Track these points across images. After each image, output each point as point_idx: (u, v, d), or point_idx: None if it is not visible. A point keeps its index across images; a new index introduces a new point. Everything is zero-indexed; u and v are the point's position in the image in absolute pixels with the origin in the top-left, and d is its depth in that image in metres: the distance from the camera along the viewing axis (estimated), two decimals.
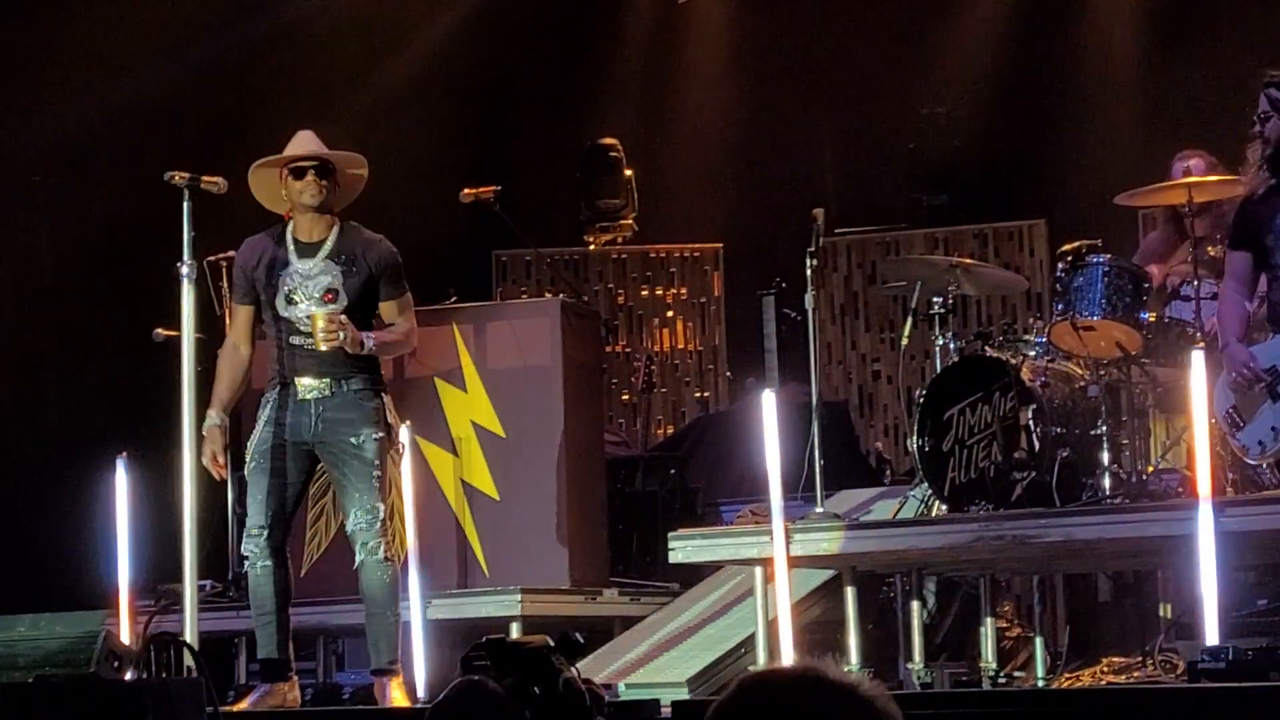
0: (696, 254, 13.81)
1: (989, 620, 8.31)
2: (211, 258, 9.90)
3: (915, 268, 9.61)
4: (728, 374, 13.58)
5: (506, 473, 9.32)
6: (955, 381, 8.40)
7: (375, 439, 7.56)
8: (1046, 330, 8.51)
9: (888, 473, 11.51)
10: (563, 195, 13.56)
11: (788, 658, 7.32)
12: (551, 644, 3.44)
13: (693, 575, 9.29)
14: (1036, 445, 8.10)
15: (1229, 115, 11.90)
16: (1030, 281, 12.24)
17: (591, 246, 13.60)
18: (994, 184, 13.50)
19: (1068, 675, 8.32)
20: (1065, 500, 7.97)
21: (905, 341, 9.26)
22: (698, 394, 13.65)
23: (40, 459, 11.32)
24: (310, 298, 7.60)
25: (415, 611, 7.65)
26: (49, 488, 11.00)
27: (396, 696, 7.48)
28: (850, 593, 8.03)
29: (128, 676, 6.52)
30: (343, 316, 7.51)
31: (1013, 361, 8.30)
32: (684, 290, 13.76)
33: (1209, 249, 8.51)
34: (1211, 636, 6.77)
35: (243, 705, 7.55)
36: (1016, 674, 8.71)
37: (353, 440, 7.55)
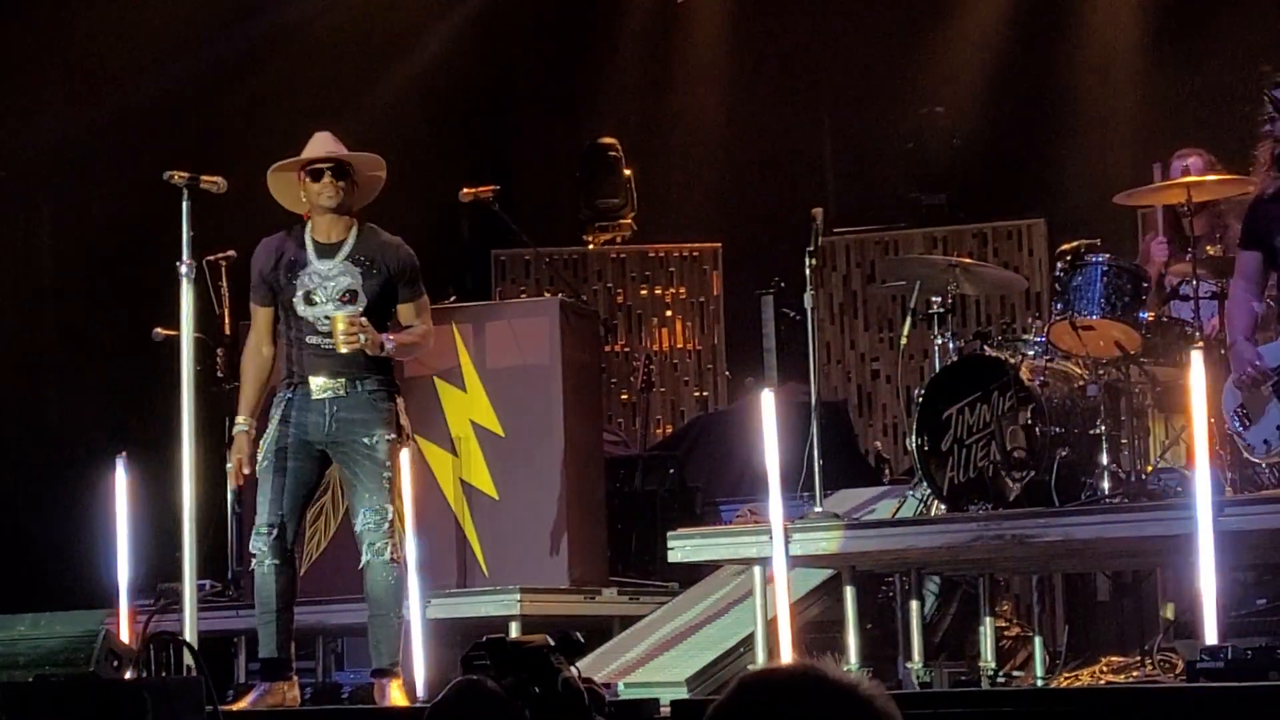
0: (695, 253, 13.81)
1: (988, 620, 8.30)
2: (211, 257, 9.92)
3: (914, 267, 9.61)
4: (727, 373, 13.58)
5: (506, 472, 9.33)
6: (954, 381, 8.40)
7: (388, 440, 7.57)
8: (1045, 330, 8.52)
9: (887, 472, 11.51)
10: (562, 195, 13.59)
11: (787, 657, 7.32)
12: (552, 643, 3.44)
13: (692, 574, 9.29)
14: (1035, 445, 8.10)
15: (1228, 114, 11.92)
16: (1029, 281, 12.25)
17: (591, 246, 13.60)
18: (993, 183, 13.51)
19: (1067, 675, 8.32)
20: (1064, 500, 7.96)
21: (904, 341, 9.25)
22: (697, 393, 13.65)
23: (40, 459, 11.33)
24: (329, 299, 7.61)
25: (415, 611, 7.65)
26: (49, 487, 11.00)
27: (396, 697, 7.49)
28: (849, 592, 8.03)
29: (127, 676, 6.52)
30: (363, 319, 7.51)
31: (1012, 361, 8.30)
32: (683, 290, 13.76)
33: (1208, 248, 8.51)
34: (1210, 636, 6.76)
35: (242, 704, 7.55)
36: (1015, 673, 8.71)
37: (366, 441, 7.56)
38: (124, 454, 8.14)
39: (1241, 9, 12.54)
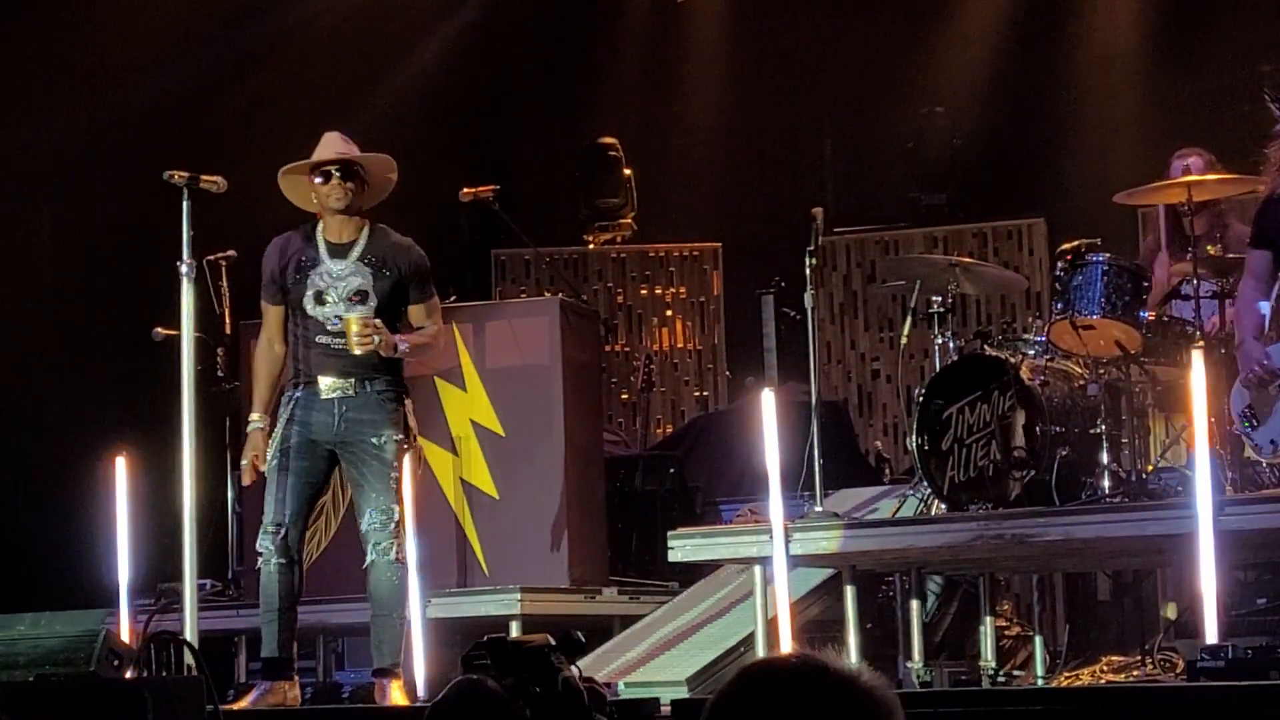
0: (696, 253, 13.81)
1: (988, 619, 8.30)
2: (211, 257, 9.92)
3: (914, 267, 9.61)
4: (727, 373, 13.58)
5: (506, 472, 9.33)
6: (954, 380, 8.40)
7: (395, 440, 7.57)
8: (1046, 329, 8.51)
9: (887, 472, 11.51)
10: (562, 194, 13.58)
11: None
12: (553, 643, 3.44)
13: (692, 574, 9.29)
14: (1036, 444, 8.09)
15: (1228, 114, 11.93)
16: (1029, 280, 12.25)
17: (591, 246, 13.61)
18: (993, 183, 13.51)
19: (1067, 674, 8.32)
20: (1064, 499, 7.96)
21: (904, 340, 9.25)
22: (697, 393, 13.66)
23: (40, 458, 11.32)
24: (340, 298, 7.61)
25: (415, 611, 7.65)
26: (49, 487, 11.00)
27: (396, 697, 7.49)
28: (849, 592, 8.03)
29: (128, 675, 6.52)
30: (377, 321, 7.51)
31: (1012, 360, 8.30)
32: (683, 289, 13.76)
33: (1208, 248, 8.51)
34: (1211, 635, 6.76)
35: (243, 703, 7.55)
36: (1016, 673, 8.71)
37: (374, 441, 7.56)
38: (124, 454, 8.14)
39: (1241, 9, 12.55)
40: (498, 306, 10.98)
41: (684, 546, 8.28)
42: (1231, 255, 8.33)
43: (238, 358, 10.03)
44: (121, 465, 8.08)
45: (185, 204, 7.54)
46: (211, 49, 12.33)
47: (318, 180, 7.65)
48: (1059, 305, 8.37)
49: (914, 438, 8.38)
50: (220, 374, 10.32)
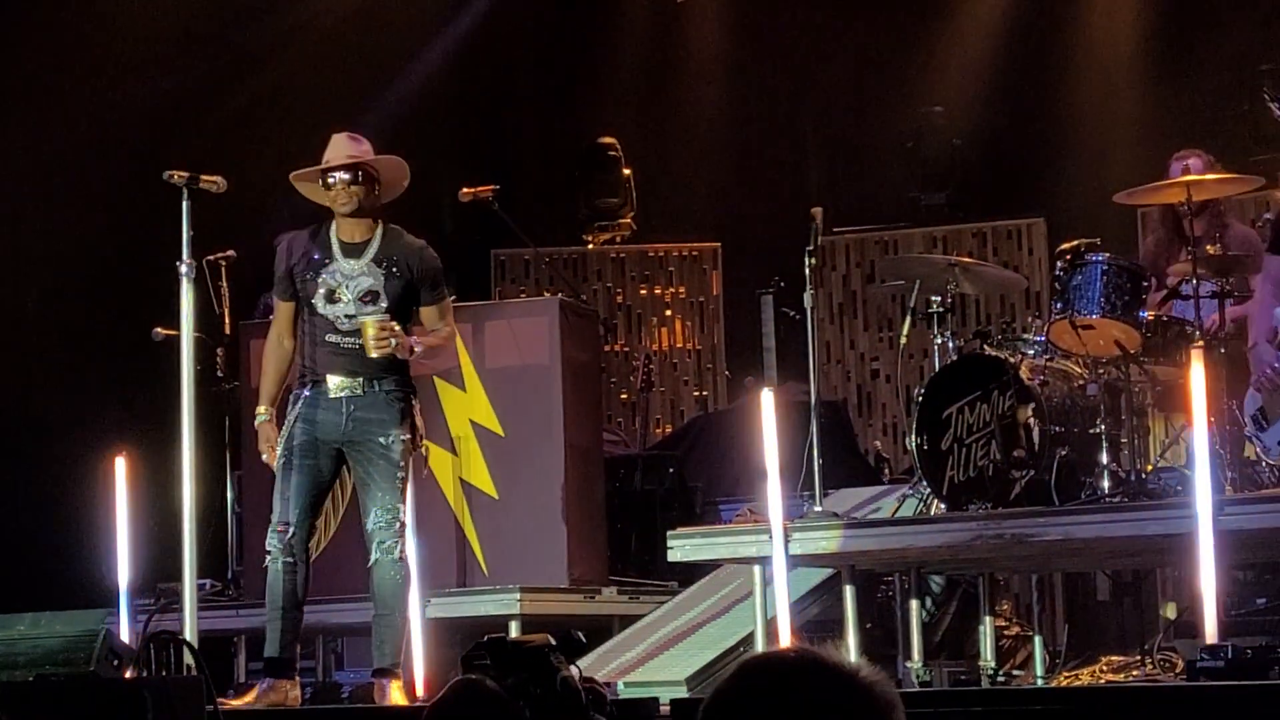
0: (695, 253, 13.81)
1: (988, 619, 8.31)
2: (211, 257, 9.93)
3: (914, 266, 9.61)
4: (726, 373, 13.59)
5: (505, 472, 9.32)
6: (954, 380, 8.40)
7: (402, 440, 7.57)
8: (1045, 329, 8.52)
9: (886, 471, 11.52)
10: (561, 194, 13.58)
11: None
12: (553, 643, 3.44)
13: (691, 574, 9.29)
14: (1035, 444, 8.09)
15: (1228, 114, 11.93)
16: (1029, 280, 12.25)
17: (590, 245, 13.61)
18: (993, 182, 13.52)
19: (1066, 674, 8.32)
20: (1064, 499, 7.96)
21: (904, 340, 9.25)
22: (696, 393, 13.66)
23: (40, 458, 11.32)
24: (350, 298, 7.60)
25: (414, 610, 7.65)
26: (49, 487, 11.00)
27: (396, 698, 7.48)
28: (849, 591, 8.03)
29: (127, 675, 6.53)
30: (394, 324, 7.50)
31: (1011, 360, 8.30)
32: (682, 289, 13.77)
33: (1208, 248, 8.51)
34: (1210, 635, 6.77)
35: (249, 698, 7.55)
36: (1015, 673, 8.71)
37: (381, 440, 7.56)
38: (124, 454, 8.14)
39: (1241, 9, 12.55)
40: (497, 306, 10.98)
41: (683, 546, 8.28)
42: (1231, 254, 8.34)
43: (237, 358, 10.04)
44: (121, 465, 8.08)
45: (185, 204, 7.54)
46: (211, 49, 12.34)
47: (324, 185, 7.64)
48: (1058, 305, 8.37)
49: (913, 437, 8.39)
50: (220, 374, 10.33)
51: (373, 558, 7.52)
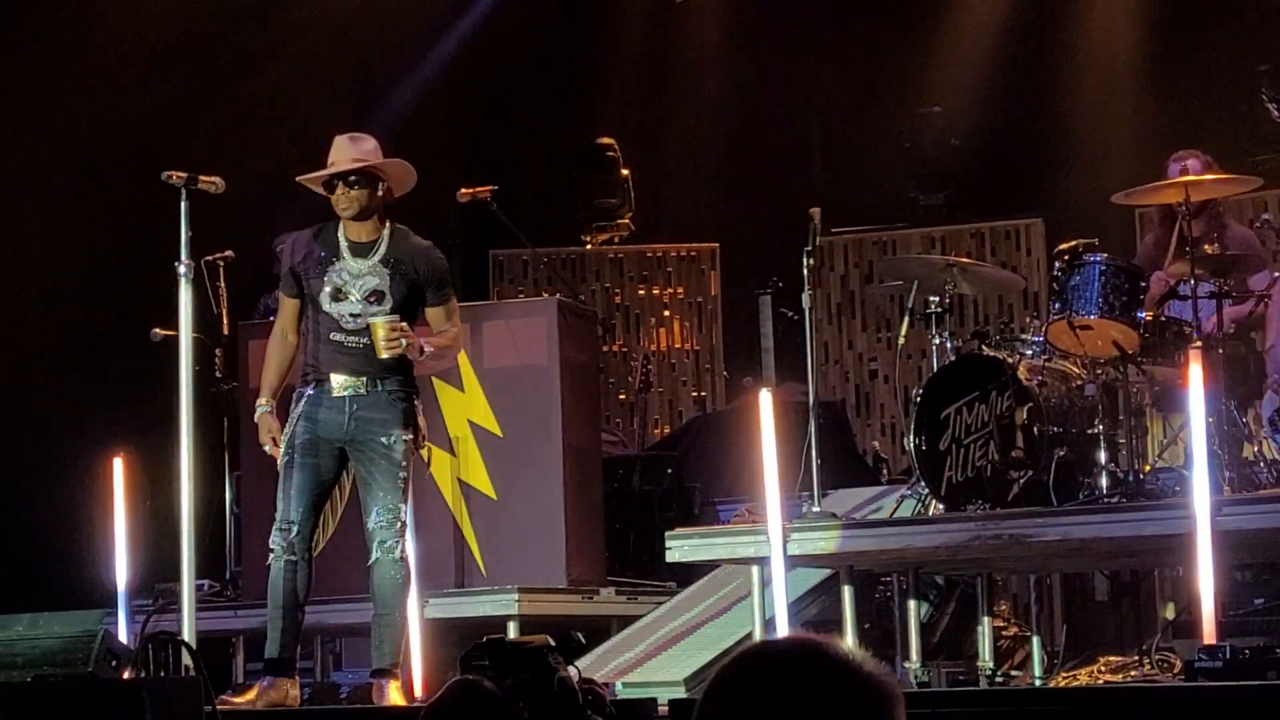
0: (693, 253, 13.82)
1: (986, 619, 8.31)
2: (209, 257, 9.93)
3: (912, 267, 9.61)
4: (724, 373, 13.59)
5: (504, 472, 9.32)
6: (952, 380, 8.40)
7: (404, 440, 7.57)
8: (1043, 329, 8.52)
9: (884, 472, 11.53)
10: (560, 195, 13.58)
11: None
12: (552, 644, 3.44)
13: (690, 574, 9.29)
14: (1033, 444, 8.10)
15: (1227, 114, 11.93)
16: (1027, 280, 12.26)
17: (588, 246, 13.62)
18: (991, 183, 13.53)
19: (1065, 674, 8.32)
20: (1062, 499, 7.97)
21: (902, 341, 9.25)
22: (695, 393, 13.67)
23: (39, 458, 11.33)
24: (356, 297, 7.60)
25: (412, 611, 7.65)
26: (48, 487, 11.01)
27: (394, 698, 7.48)
28: (847, 592, 8.04)
29: (126, 676, 6.53)
30: (404, 325, 7.50)
31: (1009, 360, 8.30)
32: (681, 289, 13.77)
33: (1206, 248, 8.52)
34: (1208, 635, 6.77)
35: (249, 696, 7.54)
36: (1013, 673, 8.71)
37: (384, 440, 7.55)
38: (122, 454, 8.14)
39: (1240, 10, 12.56)
40: (495, 306, 10.98)
41: (682, 547, 8.28)
42: (1230, 254, 8.34)
43: (235, 358, 10.04)
44: (120, 465, 8.08)
45: (183, 204, 7.54)
46: (211, 49, 12.34)
47: (327, 190, 7.64)
48: (1056, 305, 8.37)
49: (912, 438, 8.39)
50: (218, 374, 10.33)
51: (373, 557, 7.52)
